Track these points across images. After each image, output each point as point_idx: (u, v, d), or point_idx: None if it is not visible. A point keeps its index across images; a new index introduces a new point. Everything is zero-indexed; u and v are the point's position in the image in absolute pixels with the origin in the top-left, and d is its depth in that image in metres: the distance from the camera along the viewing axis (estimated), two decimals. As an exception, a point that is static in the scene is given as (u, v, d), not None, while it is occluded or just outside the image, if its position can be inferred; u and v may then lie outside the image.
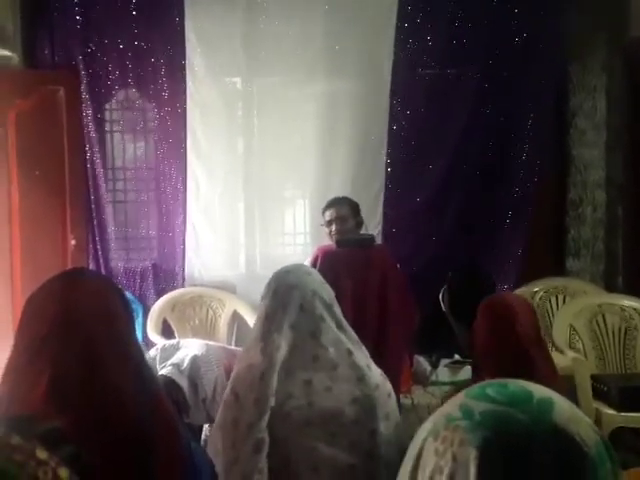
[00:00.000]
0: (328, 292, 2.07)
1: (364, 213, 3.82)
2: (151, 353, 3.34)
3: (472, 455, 0.75)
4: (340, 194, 3.92)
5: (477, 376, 2.24)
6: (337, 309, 2.05)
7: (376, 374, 2.00)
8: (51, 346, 1.28)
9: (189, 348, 3.37)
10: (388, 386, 2.01)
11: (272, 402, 1.89)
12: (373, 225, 4.51)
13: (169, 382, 3.02)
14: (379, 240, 4.41)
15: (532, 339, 2.15)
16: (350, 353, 1.97)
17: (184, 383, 3.13)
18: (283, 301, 2.01)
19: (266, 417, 1.87)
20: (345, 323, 2.05)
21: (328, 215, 3.72)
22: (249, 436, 1.87)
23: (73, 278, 1.45)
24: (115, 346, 1.33)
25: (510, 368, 2.05)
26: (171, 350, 3.46)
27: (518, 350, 2.08)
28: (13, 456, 0.85)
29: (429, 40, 4.53)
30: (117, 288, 1.50)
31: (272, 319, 2.00)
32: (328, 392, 1.90)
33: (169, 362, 3.25)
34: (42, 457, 0.87)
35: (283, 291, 2.03)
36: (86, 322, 1.32)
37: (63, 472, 0.88)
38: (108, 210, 4.56)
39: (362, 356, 2.01)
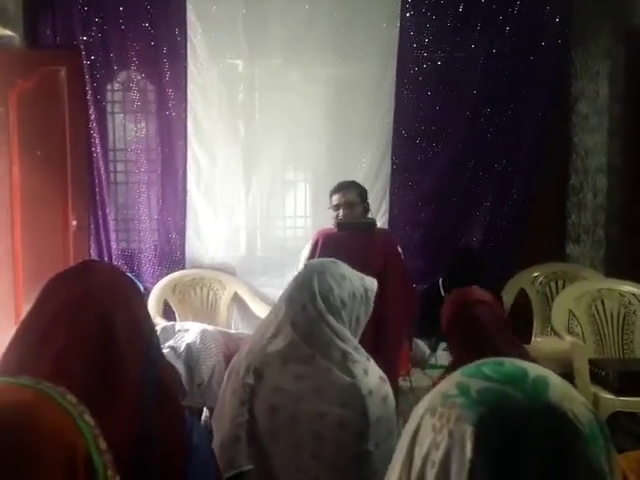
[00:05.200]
0: (337, 293, 1.98)
1: (369, 199, 3.78)
2: None
3: (468, 432, 0.76)
4: (343, 179, 3.90)
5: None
6: (345, 312, 1.99)
7: (372, 379, 1.94)
8: (67, 316, 1.32)
9: (187, 333, 3.39)
10: (384, 390, 1.96)
11: (251, 379, 1.92)
12: (380, 212, 4.52)
13: (169, 366, 3.04)
14: (385, 226, 4.41)
15: (492, 326, 2.34)
16: (345, 357, 1.92)
17: (180, 367, 3.15)
18: (291, 294, 2.02)
19: (242, 390, 1.92)
20: (340, 330, 1.97)
21: (336, 199, 3.63)
22: (229, 408, 1.94)
23: (88, 264, 1.54)
24: (128, 321, 1.37)
25: (472, 350, 2.20)
26: (170, 332, 3.48)
27: (478, 334, 2.29)
28: (66, 396, 0.92)
29: (435, 24, 4.51)
30: (128, 275, 1.58)
31: (280, 309, 2.02)
32: (317, 392, 1.89)
33: (167, 344, 3.27)
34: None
35: (296, 285, 2.03)
36: (102, 298, 1.37)
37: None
38: (109, 191, 4.57)
39: (360, 360, 1.96)
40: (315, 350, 1.93)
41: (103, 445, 0.92)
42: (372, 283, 2.11)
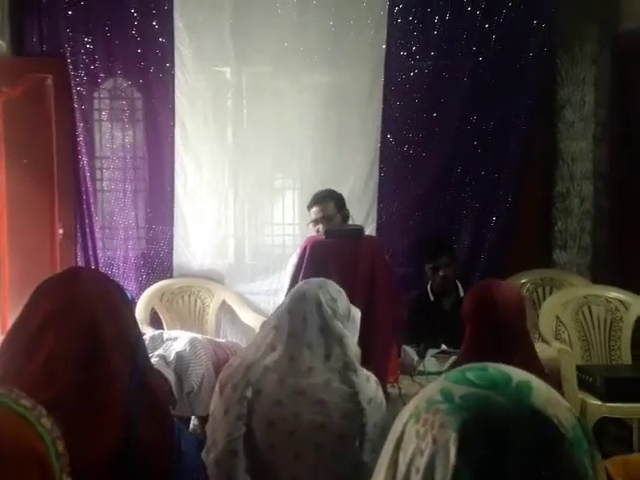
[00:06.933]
0: (336, 306, 2.05)
1: (358, 207, 3.80)
2: None
3: (452, 438, 0.76)
4: (332, 186, 3.91)
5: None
6: (340, 323, 2.04)
7: (372, 385, 1.99)
8: (54, 323, 1.34)
9: (176, 342, 3.37)
10: (380, 394, 2.02)
11: (249, 393, 1.91)
12: (368, 219, 4.52)
13: (157, 373, 3.02)
14: (373, 234, 4.41)
15: (513, 330, 2.25)
16: (347, 366, 1.96)
17: (170, 376, 3.13)
18: (289, 308, 2.04)
19: (239, 404, 1.90)
20: (346, 337, 2.03)
21: (313, 214, 3.73)
22: (224, 424, 1.92)
23: (75, 271, 1.58)
24: (115, 327, 1.39)
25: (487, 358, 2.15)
26: (159, 341, 3.46)
27: (495, 340, 2.19)
28: (20, 401, 0.90)
29: (422, 32, 4.52)
30: (115, 282, 1.62)
31: (277, 322, 2.04)
32: (319, 405, 1.90)
33: (156, 353, 3.25)
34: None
35: (293, 299, 2.07)
36: (89, 305, 1.38)
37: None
38: (96, 199, 4.55)
39: (359, 368, 2.00)
40: (315, 361, 1.95)
41: (61, 447, 0.90)
42: (357, 312, 2.20)
